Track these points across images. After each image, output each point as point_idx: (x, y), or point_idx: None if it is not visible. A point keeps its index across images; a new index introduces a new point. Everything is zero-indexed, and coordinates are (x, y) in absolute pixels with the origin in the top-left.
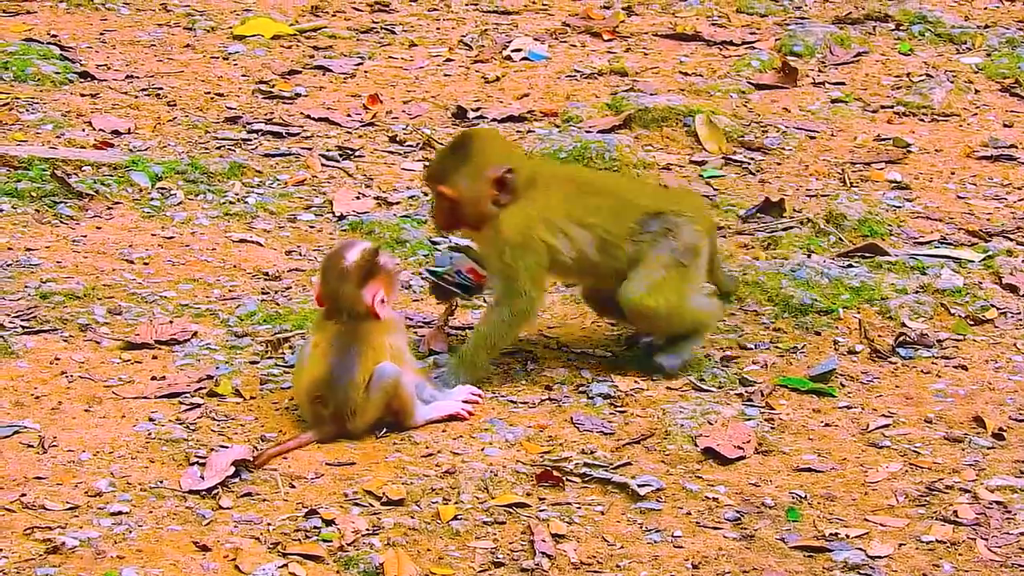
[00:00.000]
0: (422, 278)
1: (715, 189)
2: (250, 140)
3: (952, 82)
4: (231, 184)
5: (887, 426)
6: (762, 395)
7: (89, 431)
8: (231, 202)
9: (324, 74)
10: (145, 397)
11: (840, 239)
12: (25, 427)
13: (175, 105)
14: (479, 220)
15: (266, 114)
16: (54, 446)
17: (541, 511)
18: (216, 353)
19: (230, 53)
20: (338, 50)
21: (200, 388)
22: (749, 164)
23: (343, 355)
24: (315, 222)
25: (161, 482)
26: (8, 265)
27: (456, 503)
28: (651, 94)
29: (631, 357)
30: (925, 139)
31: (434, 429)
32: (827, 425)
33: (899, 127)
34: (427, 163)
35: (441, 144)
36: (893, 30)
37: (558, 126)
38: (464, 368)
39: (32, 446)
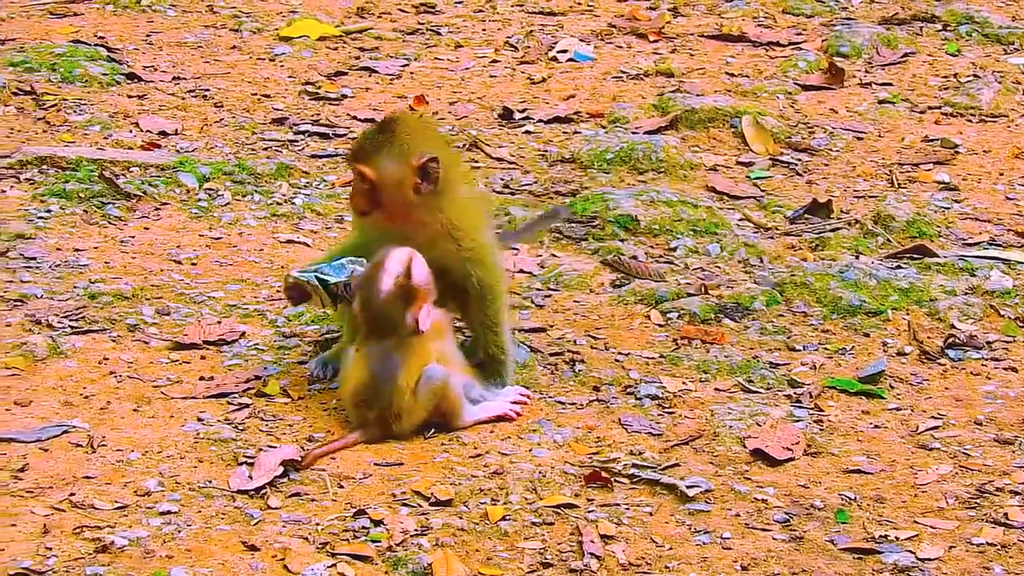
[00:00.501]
0: (294, 276)
1: (762, 190)
2: (297, 141)
3: (1000, 83)
4: (278, 185)
5: (937, 428)
6: (811, 396)
7: (138, 431)
8: (278, 203)
9: (370, 75)
10: (193, 397)
11: (888, 240)
12: (74, 426)
13: (222, 106)
14: (397, 207)
15: (313, 115)
16: (103, 446)
17: (589, 512)
18: (264, 353)
19: (276, 54)
20: (384, 51)
21: (248, 388)
22: (796, 165)
23: (386, 359)
24: None
25: (210, 482)
26: (57, 265)
27: (504, 504)
28: (697, 95)
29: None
30: (973, 140)
31: (482, 430)
32: (876, 427)
33: (947, 128)
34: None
35: (488, 145)
36: (940, 31)
37: (604, 127)
38: (504, 364)
39: (81, 445)
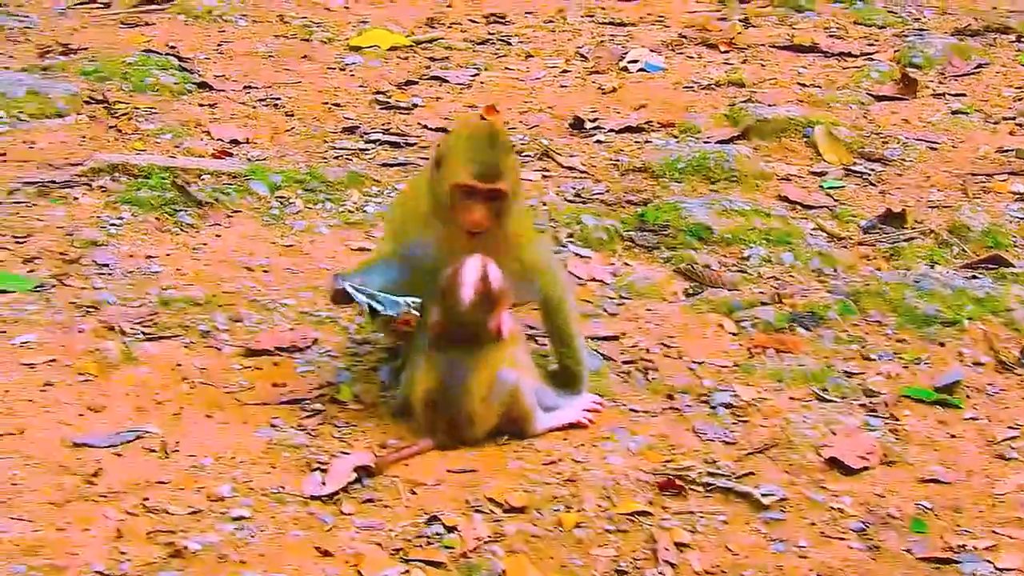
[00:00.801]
0: (348, 290)
1: (835, 200)
2: (368, 150)
3: None
4: (349, 193)
5: (1014, 438)
6: (886, 406)
7: (210, 437)
8: (350, 211)
9: (440, 84)
10: (266, 403)
11: (963, 250)
12: (147, 432)
13: (293, 115)
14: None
15: (383, 124)
16: (176, 451)
17: (664, 520)
18: (337, 360)
19: (347, 64)
20: (454, 61)
21: (321, 395)
22: (869, 175)
23: (456, 365)
24: None
25: (283, 487)
26: (129, 272)
27: (578, 511)
28: (770, 105)
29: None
30: None
31: (555, 437)
32: (953, 436)
33: (1021, 138)
34: (473, 163)
35: (559, 154)
36: (1013, 42)
37: (676, 136)
38: (579, 374)
39: (154, 451)
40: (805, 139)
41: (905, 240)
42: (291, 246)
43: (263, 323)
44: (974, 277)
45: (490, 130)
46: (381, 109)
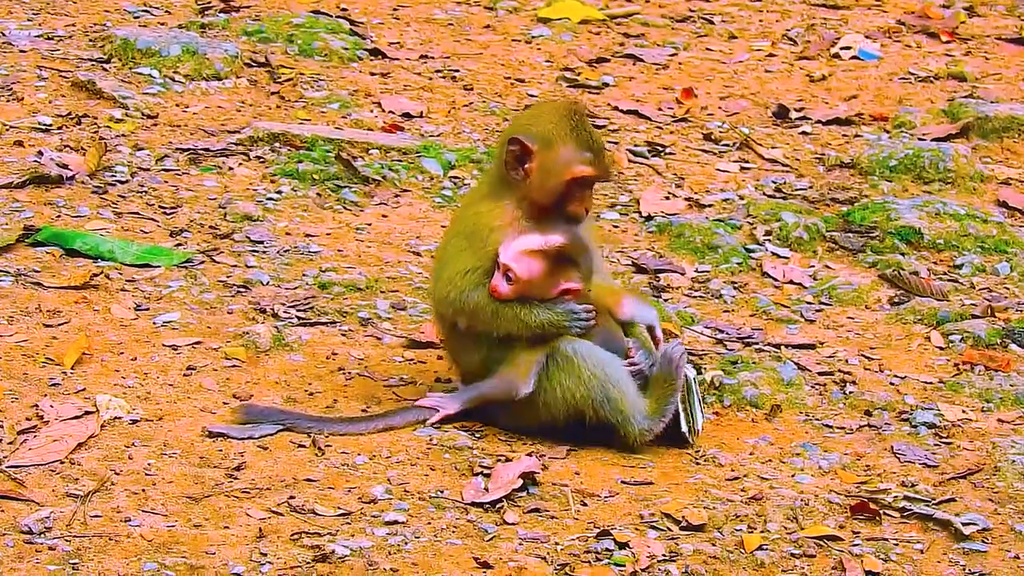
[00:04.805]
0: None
1: None
2: None
3: None
4: None
5: None
6: None
7: (366, 433)
8: None
9: (635, 63)
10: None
11: None
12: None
13: (471, 89)
14: None
15: None
16: (327, 447)
17: (854, 546)
18: None
19: (533, 36)
20: (651, 38)
21: None
22: None
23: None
24: (619, 221)
25: (442, 492)
26: (286, 251)
27: (762, 532)
28: (992, 102)
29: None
30: None
31: (740, 451)
32: None
33: None
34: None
35: (760, 145)
36: None
37: (888, 131)
38: None
39: (304, 446)
40: None
41: None
42: None
43: (428, 312)
44: None
45: (578, 107)
46: (568, 87)
